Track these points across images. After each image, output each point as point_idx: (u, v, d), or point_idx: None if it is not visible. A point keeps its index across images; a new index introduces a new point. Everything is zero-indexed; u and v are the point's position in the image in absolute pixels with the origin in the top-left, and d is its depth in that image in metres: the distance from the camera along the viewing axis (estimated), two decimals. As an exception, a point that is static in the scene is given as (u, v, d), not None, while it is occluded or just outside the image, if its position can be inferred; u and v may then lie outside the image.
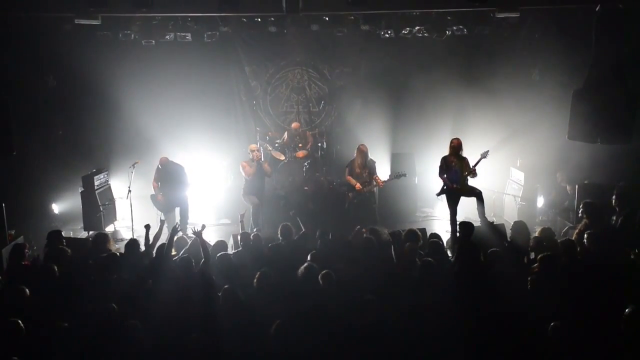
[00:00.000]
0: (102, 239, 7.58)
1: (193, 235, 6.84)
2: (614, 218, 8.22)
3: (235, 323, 5.30)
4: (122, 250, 7.26)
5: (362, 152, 9.69)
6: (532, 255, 6.98)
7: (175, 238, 7.10)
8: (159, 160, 9.92)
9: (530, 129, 11.28)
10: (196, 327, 5.19)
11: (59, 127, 11.85)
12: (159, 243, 7.12)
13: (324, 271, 5.85)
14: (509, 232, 7.85)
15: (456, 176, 8.97)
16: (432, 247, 7.03)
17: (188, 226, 9.55)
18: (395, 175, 9.79)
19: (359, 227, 7.74)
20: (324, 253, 6.81)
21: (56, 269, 6.27)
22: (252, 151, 9.86)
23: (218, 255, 6.50)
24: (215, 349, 4.98)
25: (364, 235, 7.30)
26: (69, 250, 6.86)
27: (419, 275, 6.08)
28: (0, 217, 8.22)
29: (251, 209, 9.79)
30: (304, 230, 7.65)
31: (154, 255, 6.78)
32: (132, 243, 7.10)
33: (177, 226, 7.30)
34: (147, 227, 7.43)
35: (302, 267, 6.02)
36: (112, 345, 4.93)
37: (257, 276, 5.87)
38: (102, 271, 6.44)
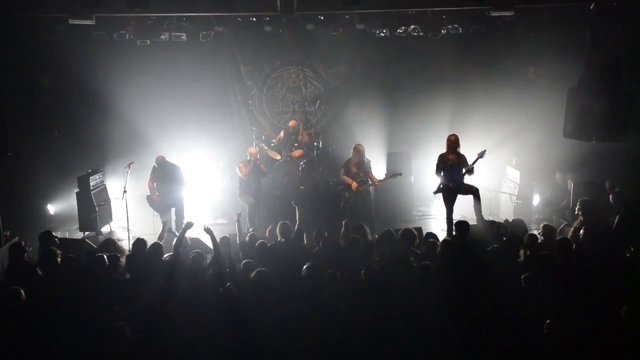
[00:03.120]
0: (110, 245, 7.54)
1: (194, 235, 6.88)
2: (612, 217, 8.24)
3: (231, 322, 5.29)
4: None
5: (359, 151, 9.69)
6: (528, 252, 6.99)
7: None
8: (156, 159, 9.89)
9: (526, 127, 11.31)
10: (186, 331, 5.19)
11: (54, 128, 11.81)
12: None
13: (329, 271, 5.84)
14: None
15: (453, 174, 8.96)
16: (428, 247, 7.03)
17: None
18: (392, 174, 9.78)
19: (345, 220, 7.78)
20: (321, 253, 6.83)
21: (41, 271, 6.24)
22: (251, 154, 9.90)
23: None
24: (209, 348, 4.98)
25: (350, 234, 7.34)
26: (59, 252, 6.81)
27: (416, 277, 6.07)
28: (-5, 218, 8.20)
29: (247, 208, 9.78)
30: (298, 223, 7.64)
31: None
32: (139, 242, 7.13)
33: (189, 224, 7.33)
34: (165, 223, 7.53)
35: (305, 268, 6.02)
36: (100, 348, 4.92)
37: (252, 275, 5.86)
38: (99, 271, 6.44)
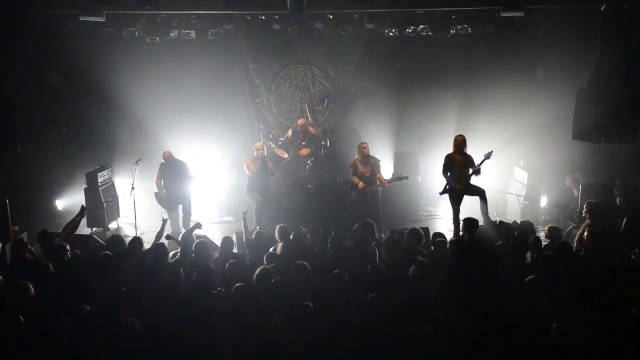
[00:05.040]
0: (118, 241, 7.61)
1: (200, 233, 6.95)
2: (619, 219, 8.19)
3: (234, 323, 5.30)
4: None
5: (361, 149, 9.73)
6: (535, 255, 6.97)
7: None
8: (163, 155, 9.93)
9: (534, 128, 11.26)
10: (194, 326, 5.21)
11: (62, 124, 11.85)
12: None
13: (336, 270, 5.84)
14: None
15: (460, 175, 8.94)
16: (437, 246, 7.01)
17: (191, 223, 9.58)
18: (397, 177, 9.80)
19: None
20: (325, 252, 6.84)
21: (51, 266, 6.27)
22: (257, 149, 9.88)
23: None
24: (213, 346, 4.99)
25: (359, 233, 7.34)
26: (68, 246, 6.84)
27: (417, 275, 6.06)
28: (5, 213, 8.23)
29: (254, 206, 9.81)
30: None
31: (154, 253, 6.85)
32: (136, 241, 7.16)
33: (198, 225, 7.52)
34: (165, 221, 7.71)
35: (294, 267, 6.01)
36: (110, 343, 4.95)
37: (256, 273, 5.87)
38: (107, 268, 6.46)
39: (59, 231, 7.96)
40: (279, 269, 6.25)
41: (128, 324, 5.05)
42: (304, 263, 5.94)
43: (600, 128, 8.08)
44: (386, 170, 10.48)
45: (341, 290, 5.71)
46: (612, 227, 7.96)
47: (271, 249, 7.20)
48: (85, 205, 8.35)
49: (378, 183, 9.68)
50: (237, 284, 5.71)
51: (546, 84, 11.59)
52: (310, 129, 11.64)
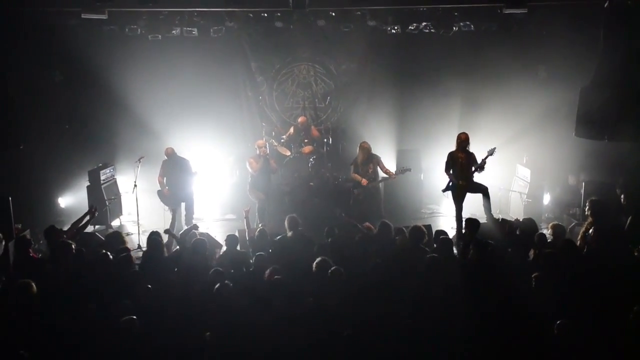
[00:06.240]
0: (117, 238, 7.61)
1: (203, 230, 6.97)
2: (623, 217, 8.18)
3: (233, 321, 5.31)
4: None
5: (364, 148, 9.74)
6: (538, 252, 6.96)
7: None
8: (165, 151, 9.92)
9: (537, 125, 11.23)
10: (196, 324, 5.21)
11: (65, 122, 11.86)
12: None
13: (333, 267, 5.86)
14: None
15: (462, 172, 8.93)
16: (441, 244, 7.01)
17: (193, 221, 9.58)
18: (400, 170, 9.80)
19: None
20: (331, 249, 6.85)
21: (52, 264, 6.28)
22: (260, 147, 9.88)
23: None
24: (216, 346, 5.00)
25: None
26: (74, 244, 6.85)
27: (425, 271, 6.07)
28: (7, 211, 8.24)
29: (257, 204, 9.80)
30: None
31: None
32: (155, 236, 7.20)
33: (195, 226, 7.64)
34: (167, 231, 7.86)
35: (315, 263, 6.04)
36: (109, 340, 4.96)
37: (268, 272, 5.88)
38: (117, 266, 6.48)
39: (65, 229, 7.98)
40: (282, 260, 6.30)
41: (127, 322, 5.06)
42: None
43: (603, 125, 8.05)
44: (388, 168, 10.45)
45: (339, 286, 5.73)
46: (616, 224, 7.94)
47: (278, 237, 7.35)
48: (95, 207, 8.30)
49: (380, 178, 9.69)
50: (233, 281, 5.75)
51: (549, 82, 11.55)
52: (313, 131, 11.65)
